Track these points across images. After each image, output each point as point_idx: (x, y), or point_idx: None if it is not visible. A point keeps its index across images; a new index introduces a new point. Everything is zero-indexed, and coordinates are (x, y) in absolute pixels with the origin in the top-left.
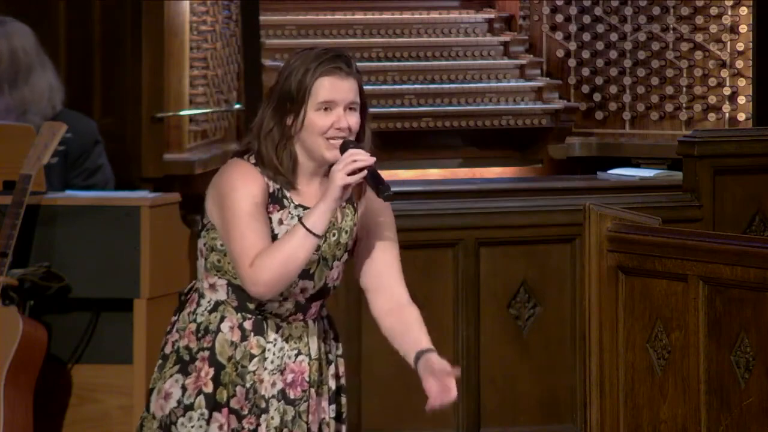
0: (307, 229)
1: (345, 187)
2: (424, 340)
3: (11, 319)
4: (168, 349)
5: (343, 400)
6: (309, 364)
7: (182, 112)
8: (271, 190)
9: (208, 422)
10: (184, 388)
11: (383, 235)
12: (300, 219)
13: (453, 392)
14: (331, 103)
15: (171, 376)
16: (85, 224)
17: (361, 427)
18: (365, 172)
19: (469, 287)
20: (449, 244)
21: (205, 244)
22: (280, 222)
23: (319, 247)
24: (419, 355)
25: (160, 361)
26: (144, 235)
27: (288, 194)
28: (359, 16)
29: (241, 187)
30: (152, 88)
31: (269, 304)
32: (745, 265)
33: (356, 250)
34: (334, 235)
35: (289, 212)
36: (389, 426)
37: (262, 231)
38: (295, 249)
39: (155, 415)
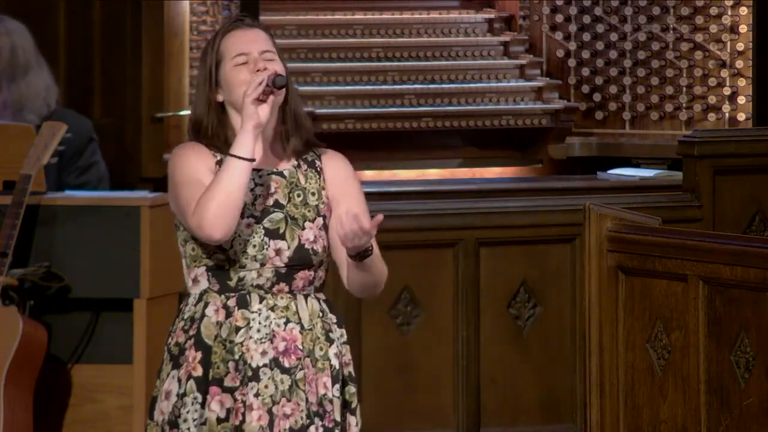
0: (234, 156)
1: (255, 104)
2: None
3: (11, 319)
4: (164, 355)
5: (351, 389)
6: (301, 333)
7: (182, 112)
8: (218, 159)
9: (202, 405)
10: (179, 380)
11: (344, 200)
12: (227, 153)
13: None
14: (244, 55)
15: (168, 375)
16: (85, 224)
17: (361, 430)
18: (265, 80)
19: (469, 287)
20: (449, 244)
21: (180, 242)
22: None
23: (282, 206)
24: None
25: (159, 368)
26: (144, 235)
27: None
28: (359, 16)
29: (182, 159)
30: (152, 88)
31: (249, 275)
32: (745, 265)
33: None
34: (299, 195)
35: None
36: (389, 426)
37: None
38: (228, 178)
39: (157, 422)
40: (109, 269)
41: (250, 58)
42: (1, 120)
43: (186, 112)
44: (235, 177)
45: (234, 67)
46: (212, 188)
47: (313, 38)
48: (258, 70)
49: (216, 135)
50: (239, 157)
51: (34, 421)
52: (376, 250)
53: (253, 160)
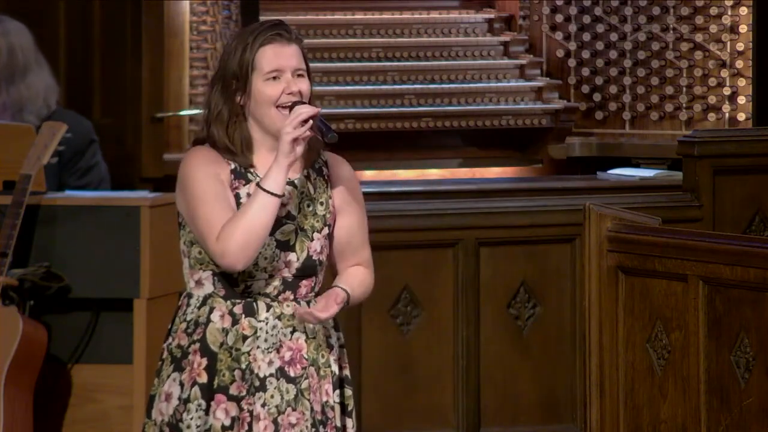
0: (265, 191)
1: (294, 142)
2: (343, 281)
3: (11, 319)
4: (164, 355)
5: (348, 392)
6: (306, 341)
7: (182, 112)
8: (232, 167)
9: (206, 412)
10: (181, 384)
11: (349, 216)
12: (257, 184)
13: (327, 311)
14: (278, 71)
15: (168, 376)
16: (85, 224)
17: (361, 427)
18: (310, 122)
19: (469, 287)
20: (449, 244)
21: (184, 242)
22: (249, 195)
23: (294, 217)
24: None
25: (158, 366)
26: (144, 235)
27: (252, 169)
28: (359, 16)
29: (200, 170)
30: (152, 88)
31: (256, 284)
32: (745, 265)
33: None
34: (308, 205)
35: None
36: (389, 426)
37: (227, 207)
38: (257, 212)
39: (156, 421)
40: (109, 269)
41: (283, 77)
42: (0, 121)
43: (186, 112)
44: (264, 212)
45: (265, 81)
46: (239, 220)
47: (313, 38)
48: (291, 93)
49: (234, 139)
50: (269, 192)
51: (34, 421)
52: (359, 278)
53: (283, 195)
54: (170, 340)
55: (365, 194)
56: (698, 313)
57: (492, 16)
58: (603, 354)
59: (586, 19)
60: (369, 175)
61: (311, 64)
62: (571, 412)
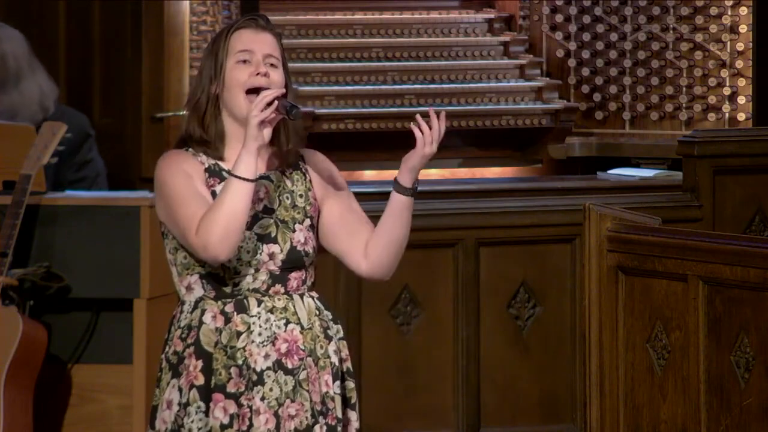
0: (237, 176)
1: (261, 125)
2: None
3: (11, 319)
4: (162, 364)
5: (350, 384)
6: (302, 332)
7: (182, 112)
8: (206, 166)
9: (206, 413)
10: (180, 389)
11: (339, 197)
12: (229, 171)
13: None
14: (248, 53)
15: (168, 384)
16: (85, 224)
17: (361, 427)
18: (275, 104)
19: (469, 287)
20: (449, 244)
21: (169, 251)
22: None
23: (272, 211)
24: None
25: (157, 376)
26: (144, 235)
27: (225, 167)
28: (359, 16)
29: (174, 170)
30: (152, 88)
31: (243, 281)
32: (745, 265)
33: (320, 222)
34: (287, 198)
35: None
36: (389, 426)
37: (203, 202)
38: (232, 200)
39: (159, 430)
40: (109, 269)
41: (253, 60)
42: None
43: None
44: (238, 198)
45: (235, 64)
46: (216, 210)
47: (313, 38)
48: (258, 74)
49: (209, 131)
50: (242, 178)
51: (34, 421)
52: None
53: (256, 180)
54: (167, 348)
55: (365, 194)
56: (698, 313)
57: (492, 16)
58: (603, 354)
59: (586, 19)
60: (369, 175)
61: (311, 64)
62: (571, 412)
